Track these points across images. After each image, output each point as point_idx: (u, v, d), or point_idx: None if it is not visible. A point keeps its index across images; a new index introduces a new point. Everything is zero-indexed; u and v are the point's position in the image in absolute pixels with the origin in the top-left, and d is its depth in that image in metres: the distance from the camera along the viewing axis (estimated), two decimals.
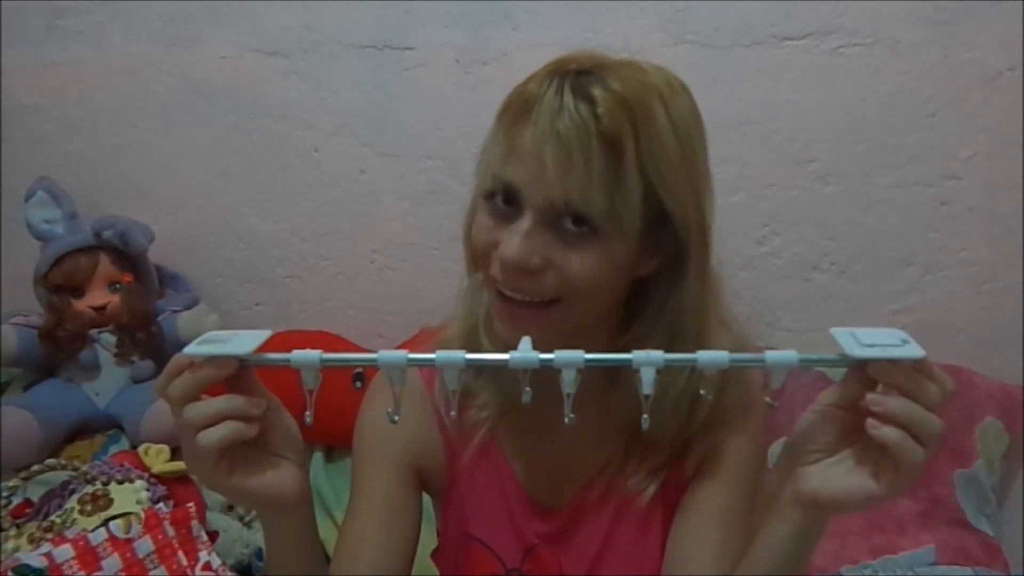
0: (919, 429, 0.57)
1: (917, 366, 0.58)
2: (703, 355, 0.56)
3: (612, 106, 0.61)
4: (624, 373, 0.64)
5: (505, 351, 0.58)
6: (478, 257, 0.68)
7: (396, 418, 0.60)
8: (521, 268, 0.63)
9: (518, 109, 0.64)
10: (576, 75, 0.63)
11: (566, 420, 0.57)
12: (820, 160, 1.43)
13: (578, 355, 0.56)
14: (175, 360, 0.58)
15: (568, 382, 0.56)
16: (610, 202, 0.61)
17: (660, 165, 0.63)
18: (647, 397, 0.56)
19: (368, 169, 1.56)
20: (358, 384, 1.42)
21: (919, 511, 1.35)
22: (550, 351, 0.56)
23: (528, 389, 0.57)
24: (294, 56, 1.54)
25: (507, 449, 0.78)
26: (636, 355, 0.56)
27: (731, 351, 0.57)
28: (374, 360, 0.57)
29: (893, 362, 0.57)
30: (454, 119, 1.50)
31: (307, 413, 0.59)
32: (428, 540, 0.88)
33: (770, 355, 0.57)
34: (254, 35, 1.55)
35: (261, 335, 0.59)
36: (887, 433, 0.56)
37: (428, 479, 0.80)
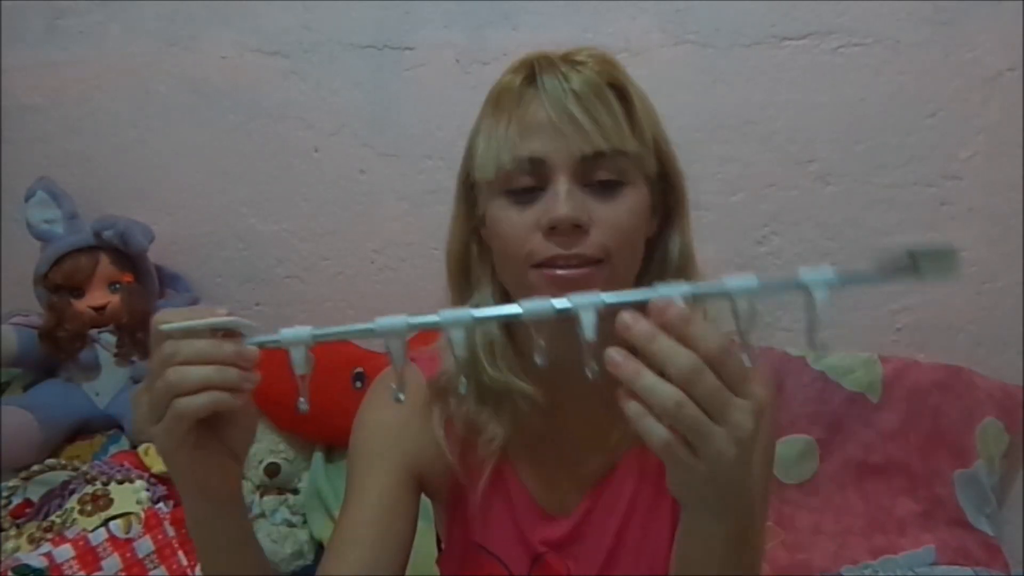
0: (660, 408, 0.46)
1: (677, 319, 0.46)
2: (729, 282, 0.49)
3: (601, 64, 0.67)
4: None
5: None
6: (509, 256, 0.68)
7: (401, 396, 0.57)
8: (573, 226, 0.64)
9: (517, 91, 0.68)
10: (559, 57, 0.68)
11: (588, 374, 0.50)
12: (820, 160, 1.43)
13: (596, 297, 0.50)
14: (167, 316, 0.53)
15: (588, 326, 0.50)
16: (633, 143, 0.66)
17: (653, 116, 0.69)
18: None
19: (368, 169, 1.56)
20: (358, 384, 1.42)
21: (919, 511, 1.35)
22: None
23: (542, 344, 0.54)
24: (294, 56, 1.54)
25: (513, 457, 0.78)
26: (658, 290, 0.49)
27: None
28: (371, 329, 0.54)
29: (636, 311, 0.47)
30: (454, 119, 1.50)
31: (301, 400, 0.55)
32: (427, 539, 0.87)
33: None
34: (254, 35, 1.55)
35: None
36: (629, 408, 0.47)
37: (430, 485, 0.79)
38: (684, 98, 1.40)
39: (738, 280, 0.48)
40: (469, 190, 0.74)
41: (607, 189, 0.66)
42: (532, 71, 0.68)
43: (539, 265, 0.66)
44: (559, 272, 0.65)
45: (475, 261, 0.76)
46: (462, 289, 0.77)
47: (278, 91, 1.56)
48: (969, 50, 1.36)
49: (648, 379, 0.46)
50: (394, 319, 0.53)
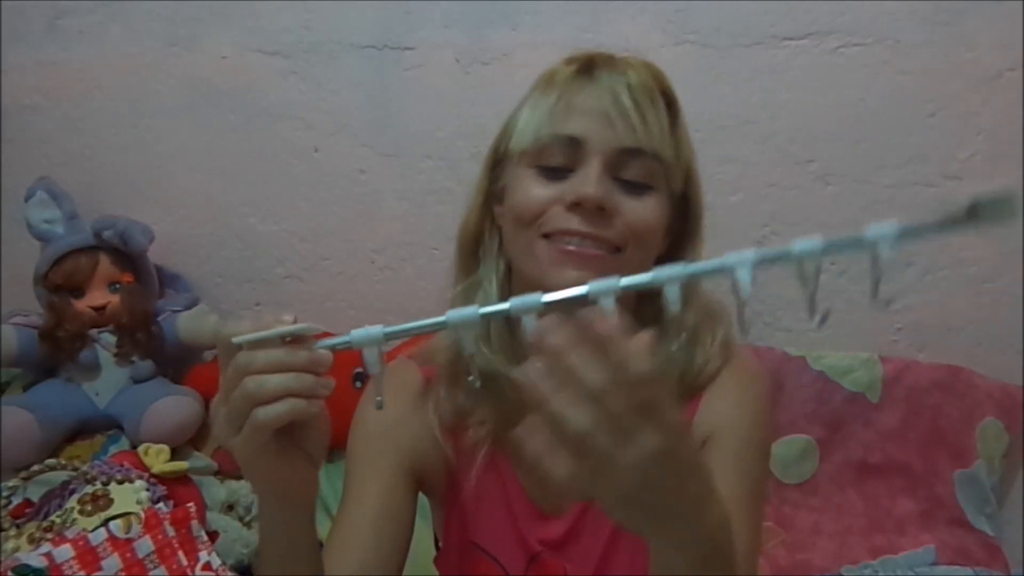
0: (565, 436, 0.43)
1: (604, 334, 0.43)
2: (797, 245, 0.50)
3: (657, 74, 0.71)
4: None
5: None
6: (523, 224, 0.69)
7: (382, 407, 0.56)
8: (598, 207, 0.65)
9: (568, 76, 0.70)
10: (609, 55, 0.71)
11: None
12: (820, 160, 1.43)
13: (613, 282, 0.48)
14: (234, 327, 0.53)
15: (609, 312, 0.47)
16: (670, 153, 0.68)
17: (688, 136, 0.72)
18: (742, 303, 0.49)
19: (368, 169, 1.56)
20: (358, 384, 1.42)
21: (919, 511, 1.35)
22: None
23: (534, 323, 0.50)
24: (294, 56, 1.54)
25: (509, 456, 0.78)
26: (659, 272, 0.49)
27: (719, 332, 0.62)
28: (443, 322, 0.51)
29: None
30: (454, 119, 1.50)
31: (378, 399, 0.55)
32: (424, 539, 0.87)
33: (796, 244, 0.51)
34: (254, 35, 1.55)
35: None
36: (527, 447, 0.45)
37: (428, 484, 0.79)
38: (684, 98, 1.39)
39: (804, 242, 0.50)
40: (495, 166, 0.76)
41: (634, 188, 0.68)
42: (588, 63, 0.70)
43: (549, 236, 0.67)
44: (571, 248, 0.66)
45: (486, 237, 0.77)
46: (469, 263, 0.78)
47: (278, 91, 1.56)
48: (969, 50, 1.36)
49: (560, 402, 0.43)
50: (464, 310, 0.51)
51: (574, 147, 0.67)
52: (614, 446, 0.43)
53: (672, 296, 0.49)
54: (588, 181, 0.66)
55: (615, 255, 0.67)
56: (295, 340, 0.53)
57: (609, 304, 0.48)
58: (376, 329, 0.52)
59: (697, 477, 0.48)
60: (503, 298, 0.75)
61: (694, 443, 0.52)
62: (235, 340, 0.52)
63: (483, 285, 0.76)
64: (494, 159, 0.76)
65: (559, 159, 0.68)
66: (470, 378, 0.63)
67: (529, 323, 0.48)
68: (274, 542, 0.63)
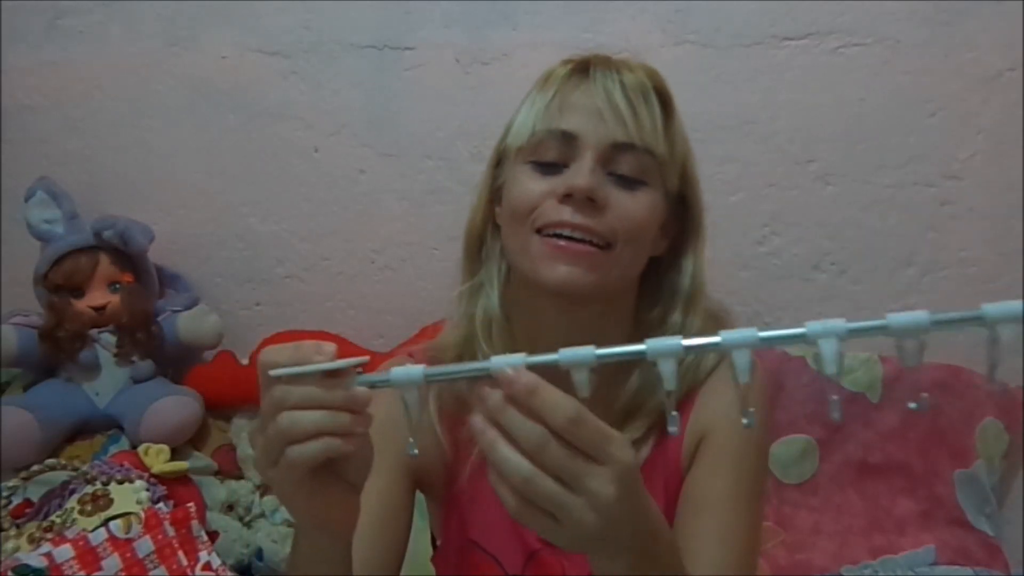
0: (511, 482, 0.46)
1: (522, 392, 0.45)
2: (726, 336, 0.47)
3: (653, 73, 0.72)
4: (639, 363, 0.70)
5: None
6: (517, 219, 0.70)
7: (415, 451, 0.55)
8: (588, 199, 0.66)
9: (564, 75, 0.71)
10: (606, 57, 0.72)
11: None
12: (820, 160, 1.43)
13: (588, 351, 0.47)
14: (273, 356, 0.51)
15: (580, 385, 0.48)
16: (663, 149, 0.69)
17: (685, 136, 0.73)
18: (669, 394, 0.49)
19: (368, 169, 1.56)
20: None
21: (919, 511, 1.35)
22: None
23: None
24: (294, 56, 1.54)
25: None
26: (650, 345, 0.48)
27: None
28: (486, 368, 0.48)
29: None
30: (454, 119, 1.50)
31: (411, 441, 0.53)
32: (422, 537, 0.87)
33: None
34: (254, 35, 1.55)
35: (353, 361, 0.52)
36: (489, 475, 0.48)
37: (426, 483, 0.79)
38: (684, 98, 1.39)
39: (905, 317, 0.45)
40: (497, 165, 0.77)
41: (627, 183, 0.69)
42: (585, 64, 0.71)
43: (543, 230, 0.68)
44: (562, 243, 0.67)
45: (489, 238, 0.78)
46: (473, 264, 0.79)
47: (278, 91, 1.56)
48: (969, 50, 1.36)
49: (501, 452, 0.46)
50: (511, 358, 0.48)
51: (568, 142, 0.68)
52: (561, 493, 0.45)
53: (667, 372, 0.48)
54: (580, 173, 0.67)
55: (606, 251, 0.68)
56: (334, 373, 0.51)
57: (582, 378, 0.48)
58: (417, 370, 0.50)
59: (647, 516, 0.50)
60: (504, 300, 0.76)
61: (643, 485, 0.52)
62: (272, 374, 0.50)
63: (484, 287, 0.76)
64: (496, 159, 0.77)
65: (553, 154, 0.69)
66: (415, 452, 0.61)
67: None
68: (308, 566, 0.61)
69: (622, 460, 0.46)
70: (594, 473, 0.45)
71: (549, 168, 0.69)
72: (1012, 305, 0.43)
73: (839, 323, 0.45)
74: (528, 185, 0.70)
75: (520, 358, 0.47)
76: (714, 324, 0.75)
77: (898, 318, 0.44)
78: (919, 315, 0.44)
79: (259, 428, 0.52)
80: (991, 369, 0.44)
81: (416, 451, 0.54)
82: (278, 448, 0.50)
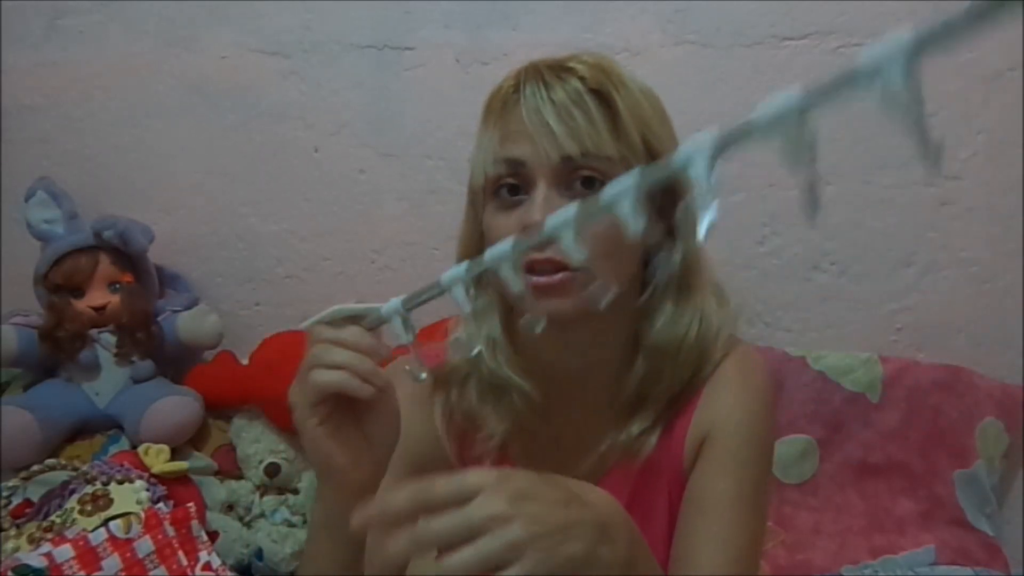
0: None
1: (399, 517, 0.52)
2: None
3: (591, 70, 0.68)
4: (641, 353, 0.72)
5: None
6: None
7: (423, 375, 0.62)
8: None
9: (503, 99, 0.70)
10: (547, 65, 0.69)
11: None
12: (820, 160, 1.43)
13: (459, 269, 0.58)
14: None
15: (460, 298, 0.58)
16: (616, 148, 0.67)
17: (646, 119, 0.69)
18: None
19: (368, 169, 1.56)
20: None
21: (919, 511, 1.35)
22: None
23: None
24: (294, 56, 1.54)
25: (512, 459, 0.78)
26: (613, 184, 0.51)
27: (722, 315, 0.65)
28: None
29: None
30: (454, 119, 1.50)
31: (421, 373, 0.63)
32: None
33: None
34: (254, 35, 1.55)
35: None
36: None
37: None
38: (684, 98, 1.39)
39: (777, 98, 0.38)
40: (474, 197, 0.75)
41: (596, 186, 0.66)
42: (517, 82, 0.70)
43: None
44: (539, 279, 0.66)
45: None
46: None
47: (278, 91, 1.56)
48: (969, 50, 1.36)
49: (449, 565, 0.49)
50: (456, 269, 0.57)
51: (519, 168, 0.68)
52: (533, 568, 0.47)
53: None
54: (532, 207, 0.66)
55: (582, 271, 0.65)
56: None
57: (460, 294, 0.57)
58: (395, 301, 0.59)
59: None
60: (506, 329, 0.75)
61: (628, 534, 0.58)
62: (303, 325, 0.60)
63: (487, 313, 0.76)
64: (472, 192, 0.76)
65: (511, 185, 0.69)
66: (423, 376, 0.63)
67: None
68: (319, 525, 0.64)
69: (480, 482, 0.50)
70: (565, 546, 0.50)
71: (511, 200, 0.69)
72: (893, 40, 0.33)
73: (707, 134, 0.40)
74: (497, 225, 0.69)
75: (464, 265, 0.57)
76: (719, 302, 0.75)
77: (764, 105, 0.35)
78: (788, 95, 0.35)
79: (299, 378, 0.59)
80: (922, 137, 0.34)
81: (424, 375, 0.62)
82: (305, 371, 0.57)
